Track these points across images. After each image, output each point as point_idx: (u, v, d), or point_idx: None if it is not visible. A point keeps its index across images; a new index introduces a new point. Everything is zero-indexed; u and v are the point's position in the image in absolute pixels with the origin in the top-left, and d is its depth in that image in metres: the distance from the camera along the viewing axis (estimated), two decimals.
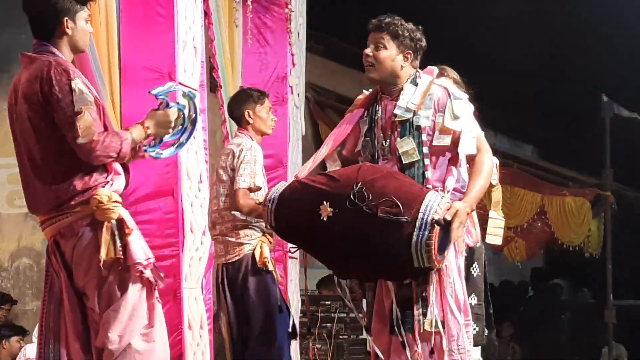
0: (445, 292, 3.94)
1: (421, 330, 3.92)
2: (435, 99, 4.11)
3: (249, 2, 6.80)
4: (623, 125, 11.50)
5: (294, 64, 7.42)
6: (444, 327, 3.92)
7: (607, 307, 11.13)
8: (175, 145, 3.91)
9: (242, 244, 5.15)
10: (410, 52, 4.20)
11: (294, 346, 7.38)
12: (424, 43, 4.24)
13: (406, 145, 4.10)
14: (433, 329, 3.90)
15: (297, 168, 7.50)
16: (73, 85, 3.52)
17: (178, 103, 3.83)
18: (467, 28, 10.81)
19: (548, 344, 12.01)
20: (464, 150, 4.05)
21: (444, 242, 3.89)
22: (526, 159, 13.62)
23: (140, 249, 3.60)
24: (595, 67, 11.74)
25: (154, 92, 3.76)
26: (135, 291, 3.61)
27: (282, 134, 7.30)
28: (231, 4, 6.67)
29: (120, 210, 3.60)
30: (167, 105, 3.79)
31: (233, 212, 5.17)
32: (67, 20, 3.68)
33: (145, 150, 3.81)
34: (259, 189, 5.12)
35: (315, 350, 8.74)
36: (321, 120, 11.07)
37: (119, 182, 3.69)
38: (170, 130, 3.79)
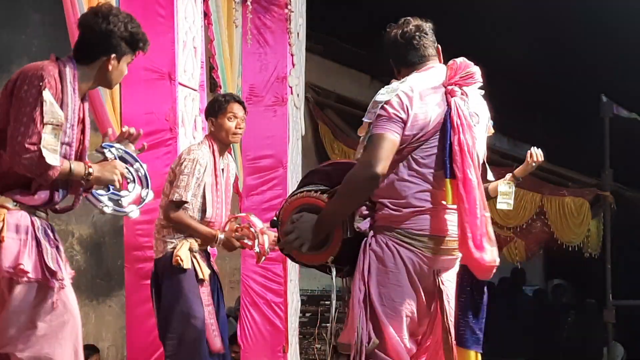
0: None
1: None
2: None
3: (248, 3, 6.81)
4: (623, 126, 11.50)
5: (293, 64, 7.42)
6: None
7: (607, 307, 11.13)
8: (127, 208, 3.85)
9: (165, 242, 5.21)
10: (391, 60, 4.00)
11: (294, 346, 7.40)
12: (397, 36, 3.92)
13: None
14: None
15: (297, 168, 7.53)
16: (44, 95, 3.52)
17: (133, 165, 3.78)
18: (467, 27, 10.81)
19: (548, 345, 12.02)
20: None
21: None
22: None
23: (10, 255, 3.54)
24: (595, 67, 11.74)
25: (103, 145, 3.75)
26: (21, 293, 3.57)
27: (281, 134, 7.31)
28: (231, 4, 6.68)
29: (7, 216, 3.55)
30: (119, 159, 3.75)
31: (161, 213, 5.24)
32: (113, 57, 3.69)
33: (92, 194, 3.75)
34: (185, 202, 5.16)
35: (315, 350, 8.75)
36: (321, 121, 11.08)
37: (31, 196, 3.63)
38: (116, 181, 3.69)
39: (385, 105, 3.67)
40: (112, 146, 3.79)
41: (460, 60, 3.85)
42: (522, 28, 11.15)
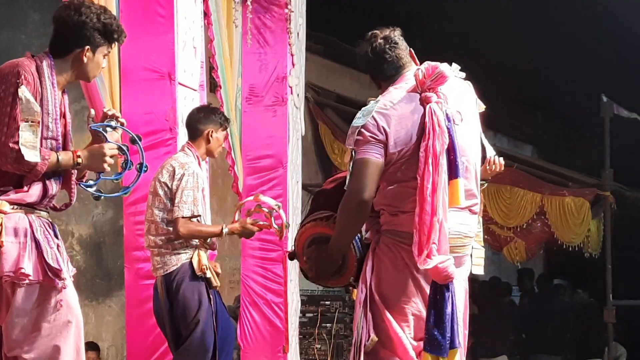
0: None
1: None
2: None
3: (248, 3, 6.81)
4: (623, 125, 11.48)
5: (293, 64, 7.42)
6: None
7: (607, 307, 11.11)
8: (121, 190, 3.88)
9: (179, 253, 5.19)
10: (369, 76, 4.07)
11: (294, 346, 7.40)
12: (367, 53, 3.94)
13: None
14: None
15: (297, 168, 7.52)
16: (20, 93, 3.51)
17: (125, 145, 3.73)
18: (467, 27, 10.81)
19: (548, 345, 12.01)
20: None
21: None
22: (526, 159, 13.60)
23: (10, 259, 3.54)
24: (595, 67, 11.74)
25: (92, 126, 3.71)
26: (24, 296, 3.57)
27: (281, 134, 7.31)
28: (230, 4, 6.68)
29: (4, 220, 3.54)
30: (107, 140, 3.71)
31: (167, 227, 5.18)
32: (87, 49, 3.68)
33: (80, 186, 3.77)
34: (199, 216, 5.17)
35: (315, 350, 8.75)
36: (321, 121, 11.07)
37: (25, 192, 3.61)
38: (106, 167, 3.68)
39: (362, 130, 3.76)
40: (100, 127, 3.72)
41: (425, 66, 3.85)
42: (522, 28, 11.15)
